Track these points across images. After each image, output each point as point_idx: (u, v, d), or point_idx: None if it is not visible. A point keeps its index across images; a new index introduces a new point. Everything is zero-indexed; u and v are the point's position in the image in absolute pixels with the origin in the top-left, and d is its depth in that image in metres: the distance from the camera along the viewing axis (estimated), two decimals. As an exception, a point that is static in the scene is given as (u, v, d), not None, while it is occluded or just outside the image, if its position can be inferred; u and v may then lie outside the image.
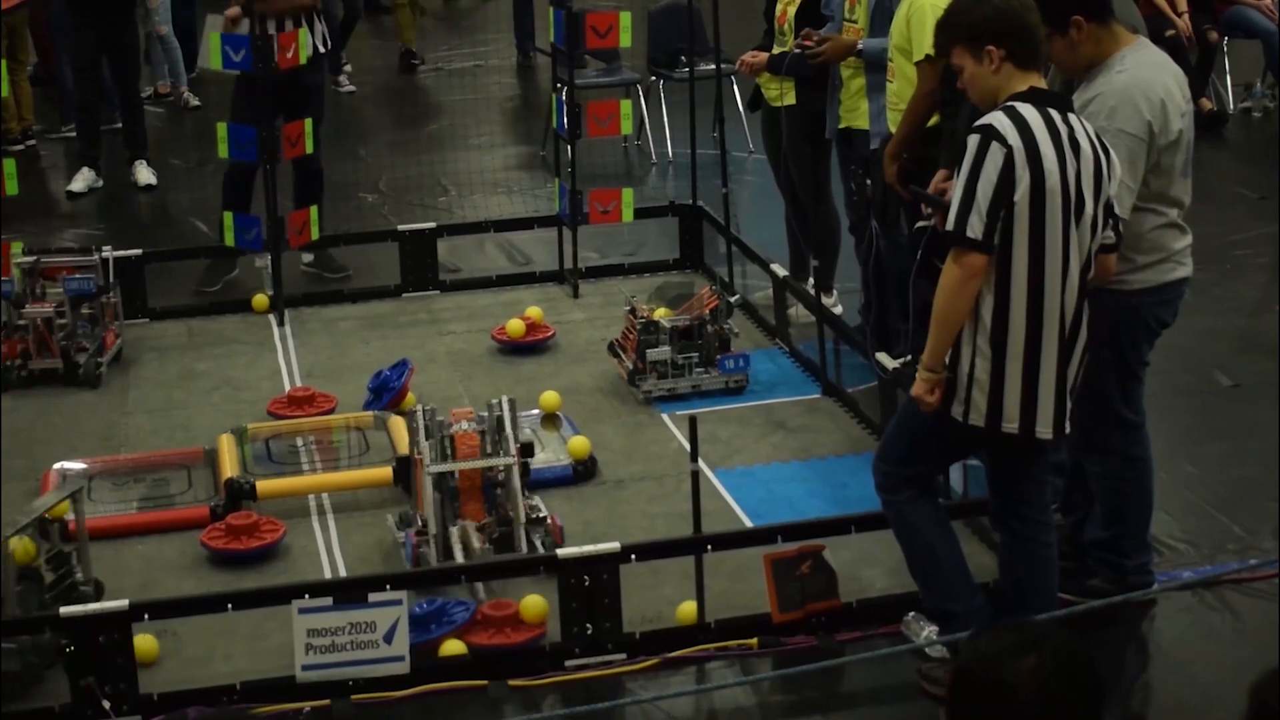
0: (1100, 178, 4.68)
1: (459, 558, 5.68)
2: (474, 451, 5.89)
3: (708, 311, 7.29)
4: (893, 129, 6.77)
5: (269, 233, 8.30)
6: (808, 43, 7.16)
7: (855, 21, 7.22)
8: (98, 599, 5.45)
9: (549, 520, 5.90)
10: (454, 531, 5.80)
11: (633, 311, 7.37)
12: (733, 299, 7.56)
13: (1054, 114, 4.62)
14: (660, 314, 7.36)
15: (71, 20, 10.97)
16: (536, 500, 6.05)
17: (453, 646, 5.29)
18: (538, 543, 5.79)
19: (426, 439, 5.83)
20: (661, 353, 7.18)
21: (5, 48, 11.25)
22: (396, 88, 13.31)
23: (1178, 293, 5.31)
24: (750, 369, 7.32)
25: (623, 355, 7.41)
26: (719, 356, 7.24)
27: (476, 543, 5.75)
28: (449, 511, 5.86)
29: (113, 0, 10.59)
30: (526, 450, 6.06)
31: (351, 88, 13.55)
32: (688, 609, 5.40)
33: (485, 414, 5.99)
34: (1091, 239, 4.70)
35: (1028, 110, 4.58)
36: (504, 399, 6.00)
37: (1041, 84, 4.73)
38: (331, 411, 7.17)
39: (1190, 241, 5.32)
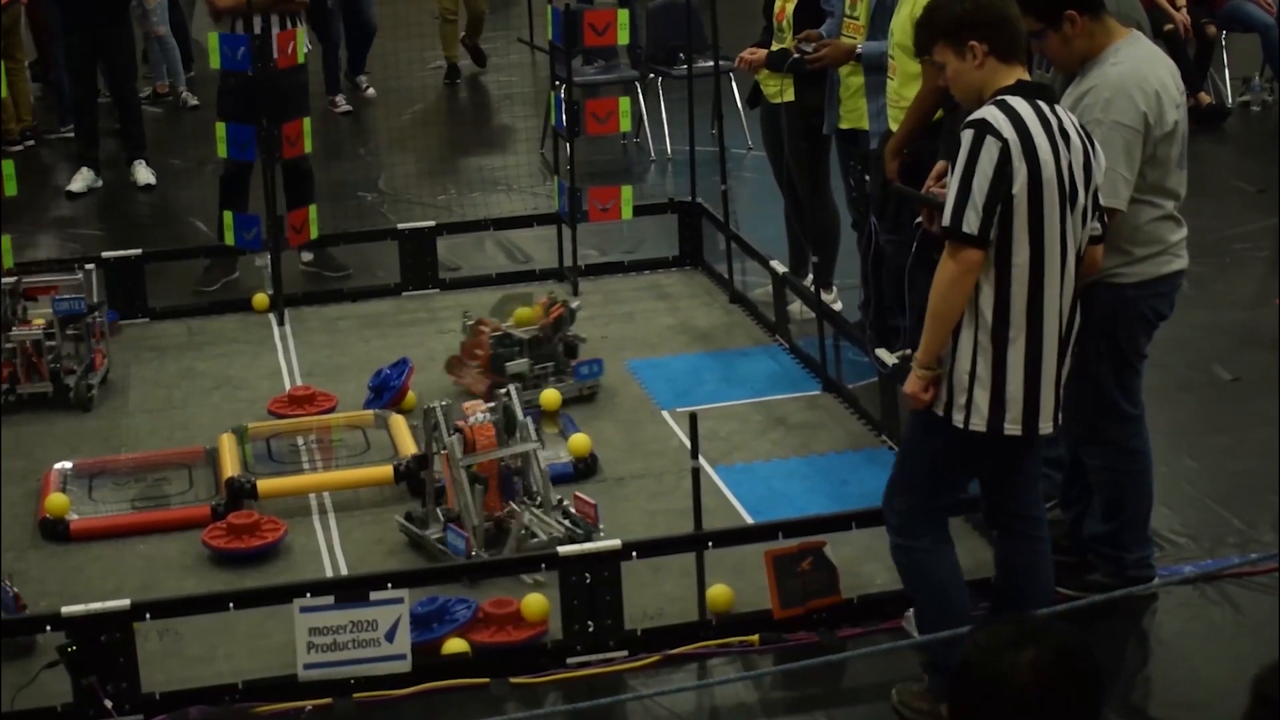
0: (1089, 167, 4.68)
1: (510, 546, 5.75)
2: (492, 443, 5.92)
3: (552, 320, 7.21)
4: (893, 126, 6.76)
5: (268, 232, 8.30)
6: (806, 47, 7.16)
7: (856, 18, 7.22)
8: None
9: (569, 505, 5.95)
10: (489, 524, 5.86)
11: (477, 324, 7.22)
12: (575, 306, 7.38)
13: (1043, 105, 4.61)
14: (515, 321, 7.26)
15: (64, 22, 10.97)
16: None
17: (455, 645, 5.29)
18: (570, 525, 5.86)
19: (450, 434, 5.85)
20: (520, 365, 7.05)
21: (2, 47, 11.27)
22: (395, 90, 13.28)
23: (1174, 285, 5.32)
24: (602, 375, 7.26)
25: (464, 372, 7.22)
26: (573, 364, 7.19)
27: (514, 528, 5.81)
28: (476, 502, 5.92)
29: (105, 1, 10.58)
30: (559, 479, 6.18)
31: (371, 91, 13.38)
32: (721, 594, 5.43)
33: (494, 403, 6.03)
34: (1083, 229, 4.70)
35: (1019, 103, 4.57)
36: (510, 387, 6.05)
37: (1026, 76, 4.72)
38: (332, 410, 7.18)
39: (1185, 233, 5.32)
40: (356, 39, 13.25)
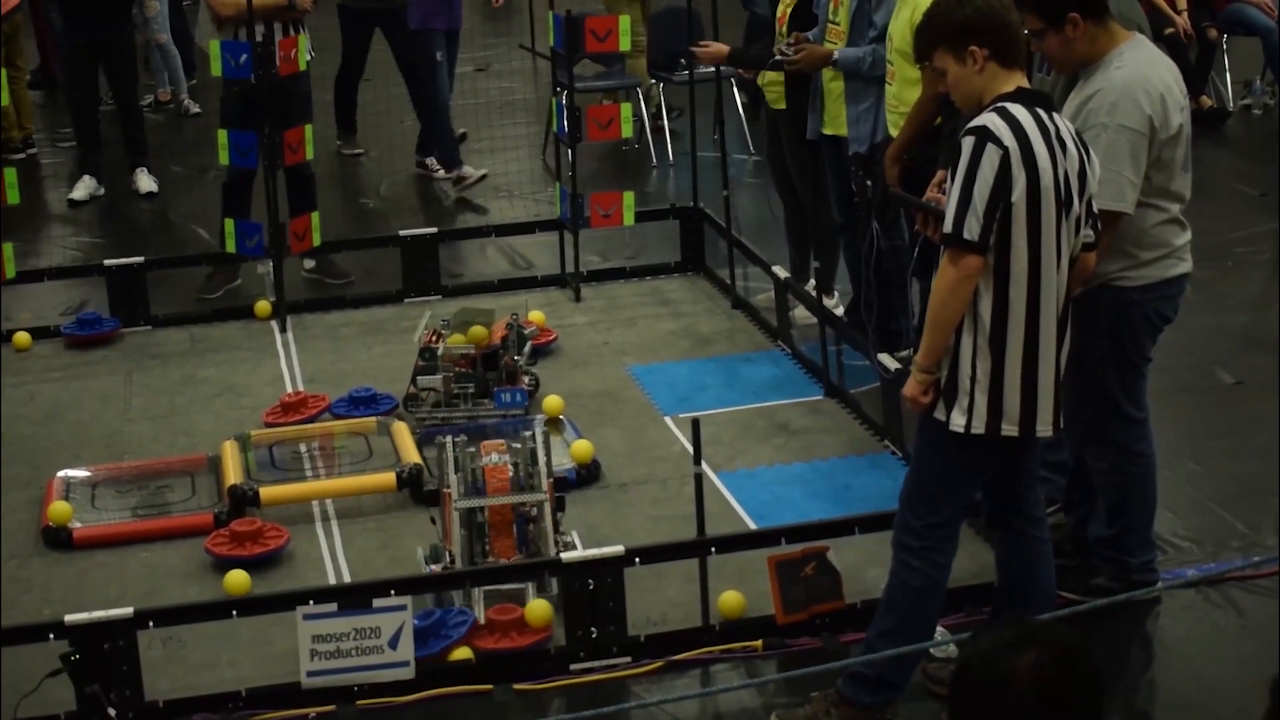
0: (1084, 176, 4.68)
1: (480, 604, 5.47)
2: (504, 486, 5.61)
3: (498, 341, 7.07)
4: (893, 131, 6.77)
5: (271, 239, 8.31)
6: (788, 52, 7.19)
7: (838, 23, 7.25)
8: None
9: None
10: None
11: (429, 335, 7.13)
12: (528, 331, 7.27)
13: (1042, 113, 4.62)
14: (455, 340, 7.14)
15: (65, 28, 10.97)
16: (572, 536, 5.86)
17: (459, 651, 5.28)
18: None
19: (456, 471, 5.58)
20: (433, 380, 6.93)
21: (3, 55, 11.28)
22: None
23: (1179, 289, 5.32)
24: (526, 404, 7.01)
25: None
26: (496, 389, 6.88)
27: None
28: (478, 547, 5.60)
29: (106, 7, 10.59)
30: (561, 485, 5.93)
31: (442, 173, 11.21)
32: (733, 600, 5.43)
33: (518, 445, 5.74)
34: (1076, 236, 4.71)
35: (1019, 111, 4.58)
36: (537, 429, 5.77)
37: (1026, 82, 4.72)
38: (323, 410, 7.19)
39: (1190, 237, 5.33)
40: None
